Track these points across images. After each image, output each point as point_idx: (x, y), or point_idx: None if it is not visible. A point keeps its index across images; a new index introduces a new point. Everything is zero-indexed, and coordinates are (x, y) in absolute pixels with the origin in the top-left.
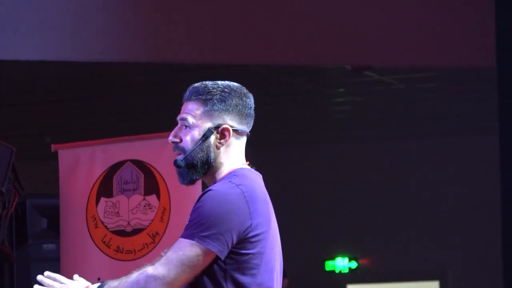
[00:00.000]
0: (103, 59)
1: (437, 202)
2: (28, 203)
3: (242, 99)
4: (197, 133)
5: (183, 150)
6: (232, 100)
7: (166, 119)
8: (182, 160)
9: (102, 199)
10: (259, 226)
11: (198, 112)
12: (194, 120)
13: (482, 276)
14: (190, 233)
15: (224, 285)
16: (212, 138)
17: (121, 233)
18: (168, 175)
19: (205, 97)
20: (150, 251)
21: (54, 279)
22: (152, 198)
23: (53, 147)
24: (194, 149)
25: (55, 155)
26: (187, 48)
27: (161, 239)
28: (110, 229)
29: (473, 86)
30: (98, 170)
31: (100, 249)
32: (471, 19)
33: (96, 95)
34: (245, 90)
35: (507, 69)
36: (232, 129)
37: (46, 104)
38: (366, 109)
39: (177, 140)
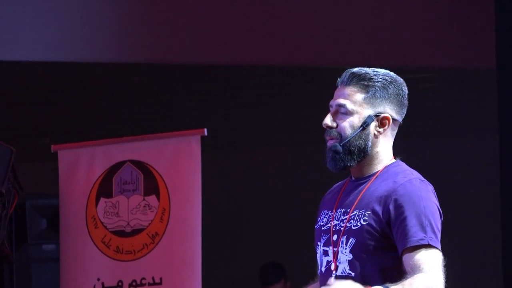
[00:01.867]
0: (103, 59)
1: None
2: (27, 203)
3: (402, 88)
4: (356, 120)
5: (339, 136)
6: (393, 88)
7: (166, 120)
8: (341, 145)
9: (102, 200)
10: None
11: (359, 98)
12: (354, 107)
13: (482, 276)
14: (421, 237)
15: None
16: (372, 126)
17: (120, 233)
18: (168, 175)
19: (367, 83)
20: (150, 251)
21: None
22: (152, 199)
23: (53, 147)
24: (354, 136)
25: (54, 156)
26: (187, 49)
27: (160, 239)
28: (109, 230)
29: (473, 86)
30: (98, 171)
31: (99, 250)
32: (470, 19)
33: (96, 95)
34: (402, 80)
35: (507, 69)
36: (392, 118)
37: (46, 104)
38: None
39: (334, 125)
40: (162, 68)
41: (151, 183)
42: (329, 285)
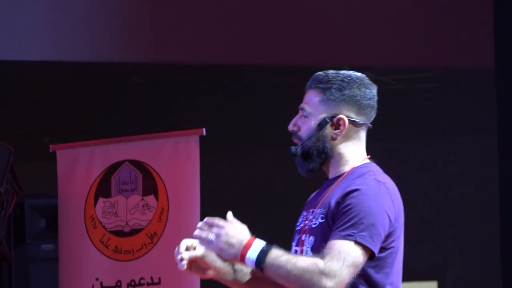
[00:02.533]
0: (102, 59)
1: (435, 202)
2: (26, 203)
3: (361, 89)
4: (313, 122)
5: (300, 139)
6: (350, 90)
7: (165, 120)
8: (296, 149)
9: (101, 199)
10: (397, 223)
11: (316, 101)
12: (311, 109)
13: (481, 277)
14: (349, 233)
15: (357, 282)
16: (328, 128)
17: (119, 233)
18: (166, 175)
19: (324, 86)
20: (149, 251)
21: (211, 225)
22: (150, 199)
23: (52, 147)
24: (309, 139)
25: (53, 156)
26: (187, 49)
27: (159, 239)
28: (108, 229)
29: (471, 86)
30: (97, 171)
31: (98, 249)
32: (469, 19)
33: (95, 95)
34: (366, 81)
35: (505, 69)
36: (349, 120)
37: (45, 104)
38: None
39: (296, 129)
40: (161, 68)
41: (149, 183)
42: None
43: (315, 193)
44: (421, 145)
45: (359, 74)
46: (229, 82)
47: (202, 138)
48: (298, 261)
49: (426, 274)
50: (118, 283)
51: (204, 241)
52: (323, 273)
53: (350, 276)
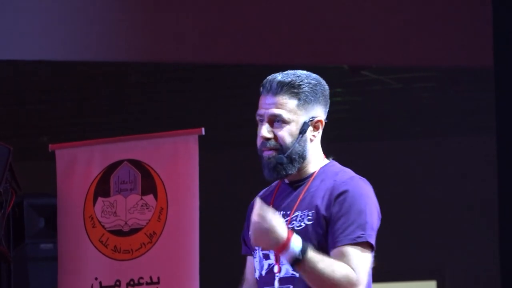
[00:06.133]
0: (100, 58)
1: (435, 201)
2: (25, 202)
3: (325, 88)
4: (294, 128)
5: (279, 146)
6: (320, 90)
7: (164, 119)
8: (284, 156)
9: (100, 199)
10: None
11: (292, 106)
12: (290, 115)
13: (480, 276)
14: (359, 235)
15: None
16: (308, 132)
17: (118, 232)
18: (166, 175)
19: (297, 90)
20: (148, 250)
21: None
22: (150, 198)
23: (51, 146)
24: (295, 145)
25: (52, 155)
26: (187, 48)
27: (158, 238)
28: (107, 229)
29: (470, 86)
30: (95, 170)
31: (97, 249)
32: (468, 17)
33: (93, 94)
34: (321, 78)
35: (504, 68)
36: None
37: (44, 103)
38: (364, 109)
39: (271, 136)
40: (160, 68)
41: (148, 183)
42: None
43: (265, 197)
44: (420, 144)
45: (311, 73)
46: (229, 81)
47: (201, 137)
48: (334, 269)
49: (425, 274)
50: (117, 283)
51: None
52: (355, 285)
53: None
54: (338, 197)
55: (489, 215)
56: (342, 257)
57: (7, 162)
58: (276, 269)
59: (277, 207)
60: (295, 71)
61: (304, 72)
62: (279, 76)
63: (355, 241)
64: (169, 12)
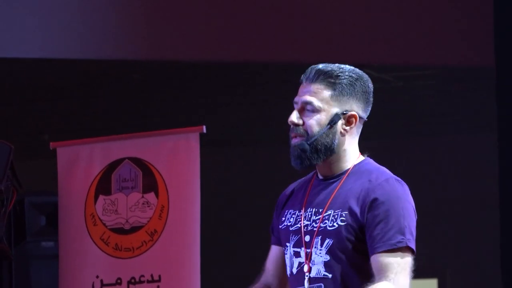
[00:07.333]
0: (101, 56)
1: (435, 200)
2: (26, 200)
3: (368, 85)
4: (324, 118)
5: (305, 134)
6: (360, 85)
7: (165, 117)
8: (308, 143)
9: (101, 197)
10: None
11: (326, 95)
12: (321, 104)
13: (481, 275)
14: (399, 240)
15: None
16: (339, 124)
17: (119, 230)
18: (167, 173)
19: (333, 80)
20: (149, 248)
21: None
22: (151, 196)
23: (52, 144)
24: (321, 134)
25: (53, 153)
26: (186, 46)
27: (159, 236)
28: (108, 227)
29: (471, 85)
30: (97, 168)
31: (98, 247)
32: (469, 17)
33: (95, 93)
34: (367, 76)
35: (505, 67)
36: (358, 116)
37: (45, 102)
38: None
39: (300, 122)
40: (161, 66)
41: (149, 181)
42: None
43: (298, 190)
44: (421, 143)
45: (357, 69)
46: (230, 79)
47: (202, 135)
48: None
49: (426, 272)
50: (119, 281)
51: None
52: None
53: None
54: (375, 201)
55: (490, 214)
56: (382, 265)
57: (8, 160)
58: (306, 268)
59: (309, 203)
60: (340, 64)
61: (349, 66)
62: (320, 66)
63: (395, 246)
64: (170, 11)
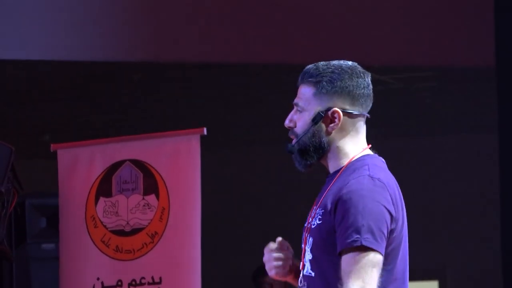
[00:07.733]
0: (102, 58)
1: (436, 201)
2: (27, 202)
3: (353, 79)
4: (307, 117)
5: (296, 135)
6: (341, 81)
7: (165, 119)
8: (293, 145)
9: (101, 199)
10: (398, 217)
11: (308, 95)
12: (305, 104)
13: (481, 276)
14: (354, 239)
15: None
16: (323, 122)
17: (120, 232)
18: (167, 174)
19: (315, 80)
20: (149, 250)
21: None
22: (151, 198)
23: (53, 146)
24: (305, 134)
25: (54, 155)
26: (187, 48)
27: (160, 238)
28: (109, 229)
29: (472, 85)
30: (97, 170)
31: (99, 249)
32: (470, 17)
33: (96, 94)
34: (358, 69)
35: (506, 67)
36: (343, 112)
37: (46, 103)
38: None
39: (292, 125)
40: (162, 67)
41: (150, 183)
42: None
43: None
44: (421, 143)
45: (350, 63)
46: (230, 81)
47: (203, 137)
48: None
49: (427, 274)
50: (119, 283)
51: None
52: None
53: (376, 278)
54: (339, 200)
55: (491, 215)
56: (342, 267)
57: (9, 162)
58: (301, 265)
59: (317, 200)
60: (334, 61)
61: (339, 63)
62: (309, 66)
63: (350, 246)
64: (170, 12)
